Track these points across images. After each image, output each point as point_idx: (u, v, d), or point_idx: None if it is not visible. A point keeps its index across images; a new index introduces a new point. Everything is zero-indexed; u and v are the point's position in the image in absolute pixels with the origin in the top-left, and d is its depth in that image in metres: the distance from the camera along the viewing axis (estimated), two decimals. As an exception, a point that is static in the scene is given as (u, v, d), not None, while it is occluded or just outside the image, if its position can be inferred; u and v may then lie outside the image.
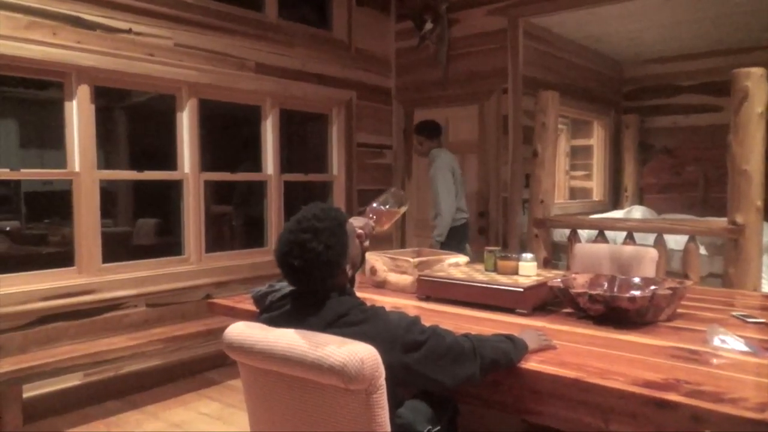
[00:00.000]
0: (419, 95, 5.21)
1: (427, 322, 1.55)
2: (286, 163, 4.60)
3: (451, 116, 5.02)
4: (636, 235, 4.01)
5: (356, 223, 1.77)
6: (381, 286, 2.79)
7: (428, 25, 4.99)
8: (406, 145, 5.32)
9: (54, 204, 4.99)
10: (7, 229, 5.42)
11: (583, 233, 4.54)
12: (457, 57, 4.93)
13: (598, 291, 2.13)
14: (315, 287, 1.54)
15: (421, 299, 2.50)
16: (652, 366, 1.58)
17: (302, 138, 5.39)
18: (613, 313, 2.02)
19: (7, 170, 3.45)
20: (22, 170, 3.47)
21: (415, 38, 5.11)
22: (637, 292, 2.13)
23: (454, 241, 4.18)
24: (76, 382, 3.42)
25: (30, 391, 3.15)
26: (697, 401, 1.31)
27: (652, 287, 2.17)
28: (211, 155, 4.32)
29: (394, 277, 2.75)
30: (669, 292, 2.04)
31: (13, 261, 5.01)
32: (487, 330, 1.79)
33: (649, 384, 1.42)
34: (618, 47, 6.28)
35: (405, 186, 5.35)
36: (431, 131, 4.40)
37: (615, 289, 2.25)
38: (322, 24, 4.88)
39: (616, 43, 6.07)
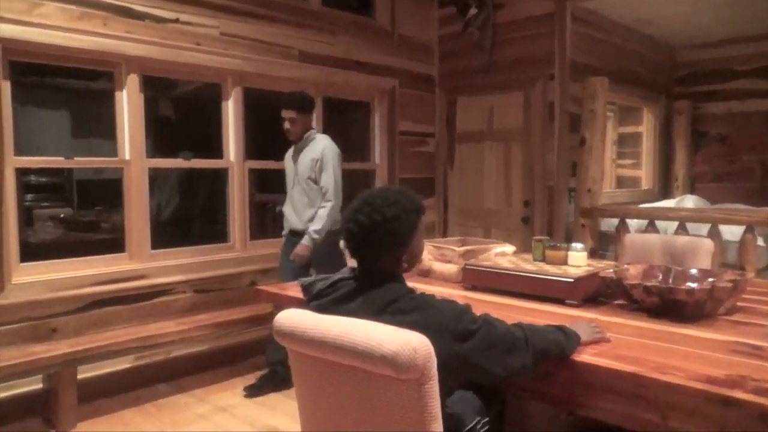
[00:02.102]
0: (463, 82, 5.14)
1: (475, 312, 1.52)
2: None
3: (495, 103, 4.94)
4: (689, 225, 3.87)
5: None
6: (425, 275, 2.77)
7: (472, 11, 4.89)
8: (449, 133, 5.26)
9: (105, 192, 5.13)
10: (61, 216, 5.61)
11: (632, 223, 4.40)
12: (502, 43, 4.83)
13: (653, 282, 2.06)
14: (368, 260, 1.54)
15: (466, 288, 2.47)
16: (713, 361, 1.52)
17: (344, 126, 5.38)
18: (669, 306, 1.95)
19: (62, 158, 3.56)
20: (76, 158, 3.57)
21: (459, 24, 5.02)
22: (694, 284, 2.05)
23: (326, 250, 3.35)
24: (128, 365, 3.52)
25: (84, 373, 3.25)
26: (765, 399, 1.25)
27: (711, 279, 2.09)
28: (253, 144, 4.36)
29: (438, 266, 2.73)
30: (729, 284, 1.96)
31: (67, 247, 5.20)
32: (535, 321, 1.75)
33: (711, 380, 1.36)
34: (670, 30, 6.04)
35: (447, 175, 5.29)
36: (308, 105, 3.51)
37: (670, 281, 2.17)
38: (365, 11, 4.85)
39: (668, 26, 5.84)
